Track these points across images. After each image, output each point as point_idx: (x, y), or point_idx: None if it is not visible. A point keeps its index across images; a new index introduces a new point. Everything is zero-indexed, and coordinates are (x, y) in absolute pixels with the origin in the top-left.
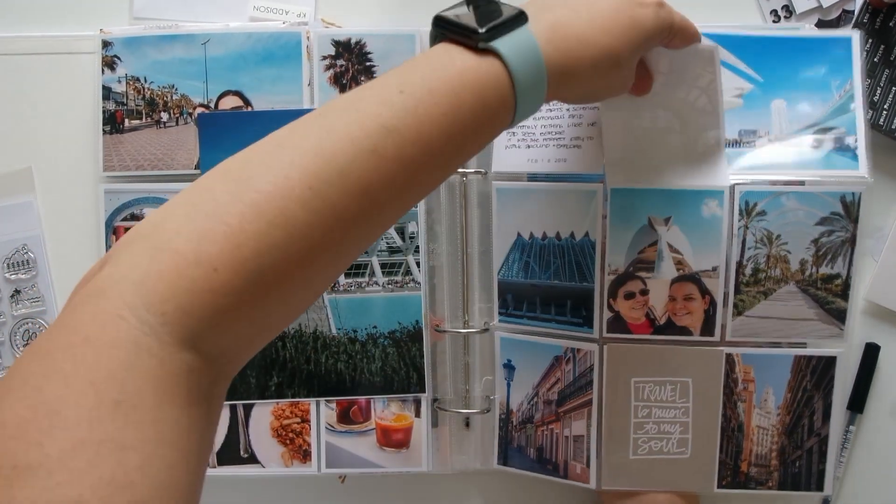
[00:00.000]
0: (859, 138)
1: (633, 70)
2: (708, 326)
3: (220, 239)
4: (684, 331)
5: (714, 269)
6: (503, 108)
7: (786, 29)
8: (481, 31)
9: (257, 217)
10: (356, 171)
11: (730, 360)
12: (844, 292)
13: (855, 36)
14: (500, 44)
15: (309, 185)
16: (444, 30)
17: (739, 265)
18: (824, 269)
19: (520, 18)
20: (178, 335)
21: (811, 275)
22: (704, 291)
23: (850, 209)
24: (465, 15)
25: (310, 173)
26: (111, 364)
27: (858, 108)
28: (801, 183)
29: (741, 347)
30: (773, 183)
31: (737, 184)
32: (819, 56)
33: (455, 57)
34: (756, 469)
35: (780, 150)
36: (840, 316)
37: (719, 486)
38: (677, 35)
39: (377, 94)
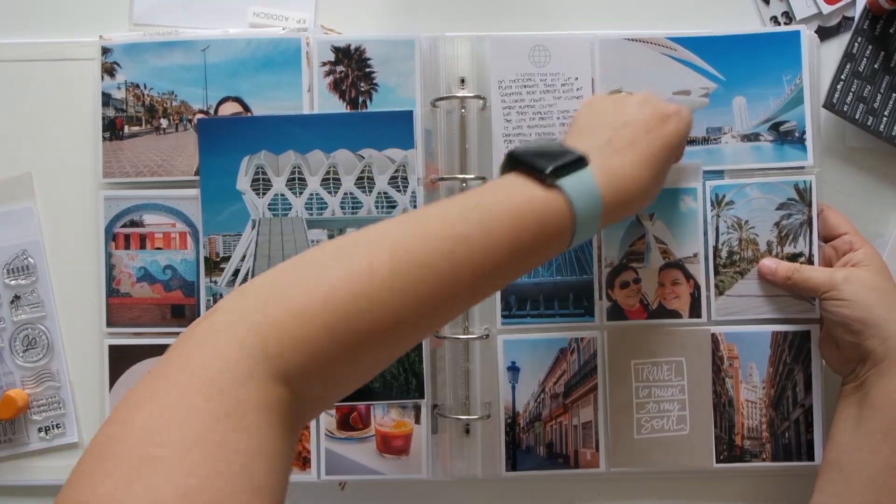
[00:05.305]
0: (808, 130)
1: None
2: (695, 308)
3: (318, 302)
4: (674, 314)
5: (695, 255)
6: (560, 236)
7: (742, 27)
8: (547, 171)
9: (348, 288)
10: (432, 265)
11: (714, 338)
12: None
13: (804, 30)
14: (565, 182)
15: (392, 269)
16: (517, 164)
17: (716, 249)
18: (788, 249)
19: (580, 162)
20: (276, 372)
21: (777, 254)
22: (689, 276)
23: (803, 195)
24: (533, 149)
25: (394, 261)
26: (223, 384)
27: (807, 101)
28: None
29: (724, 326)
30: (737, 175)
31: (706, 179)
32: (771, 52)
33: (524, 187)
34: (750, 442)
35: (742, 144)
36: None
37: (717, 461)
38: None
39: (455, 209)
